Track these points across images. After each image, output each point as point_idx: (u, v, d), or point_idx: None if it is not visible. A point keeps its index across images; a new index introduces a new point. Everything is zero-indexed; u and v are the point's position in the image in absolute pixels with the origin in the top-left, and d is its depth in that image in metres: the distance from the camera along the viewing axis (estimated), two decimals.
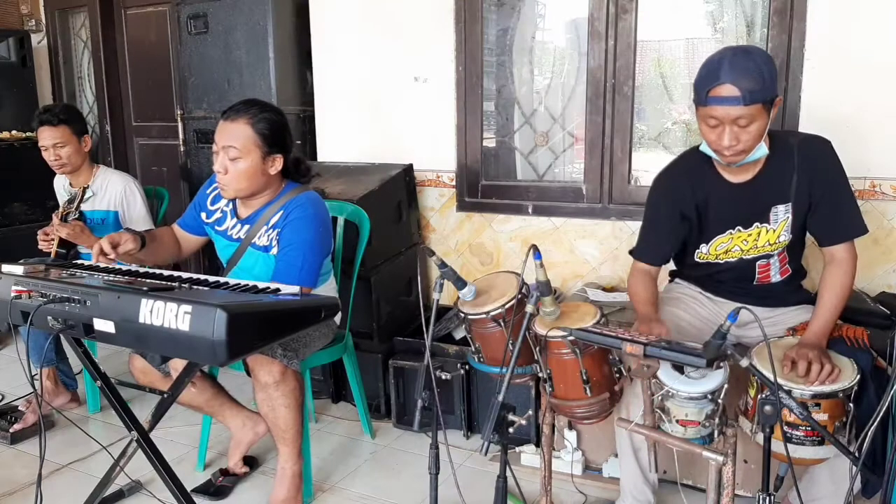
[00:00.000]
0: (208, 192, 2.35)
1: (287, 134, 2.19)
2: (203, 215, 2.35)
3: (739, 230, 1.99)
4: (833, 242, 1.92)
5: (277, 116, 2.15)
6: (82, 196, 2.62)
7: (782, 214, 1.95)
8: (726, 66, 1.74)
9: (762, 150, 1.84)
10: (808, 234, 2.04)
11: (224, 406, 2.42)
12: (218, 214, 2.33)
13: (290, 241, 2.12)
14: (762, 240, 1.98)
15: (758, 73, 1.73)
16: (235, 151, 2.08)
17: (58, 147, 2.81)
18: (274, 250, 2.16)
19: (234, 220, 2.27)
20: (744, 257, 2.03)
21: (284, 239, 2.13)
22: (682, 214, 2.03)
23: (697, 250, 2.06)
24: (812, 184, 1.91)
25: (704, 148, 1.90)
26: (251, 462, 2.56)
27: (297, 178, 2.27)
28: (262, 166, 2.12)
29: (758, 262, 2.03)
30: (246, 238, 2.22)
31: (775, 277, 2.05)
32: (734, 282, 2.08)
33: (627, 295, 2.15)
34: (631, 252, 2.17)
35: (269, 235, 2.18)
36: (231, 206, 2.29)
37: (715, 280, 2.12)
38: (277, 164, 2.15)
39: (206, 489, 2.40)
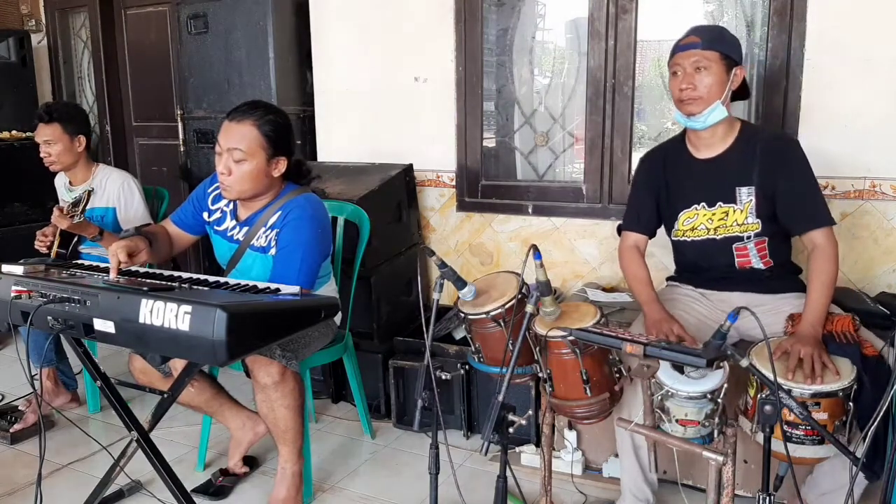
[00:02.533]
0: (209, 191, 2.34)
1: (291, 137, 2.19)
2: (205, 215, 2.34)
3: (704, 207, 2.09)
4: (805, 229, 1.98)
5: (282, 119, 2.15)
6: (87, 199, 2.61)
7: (746, 196, 2.04)
8: (692, 28, 2.05)
9: (720, 110, 1.97)
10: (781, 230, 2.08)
11: (224, 406, 2.42)
12: (218, 214, 2.32)
13: (287, 242, 2.11)
14: (731, 219, 2.06)
15: (720, 32, 2.04)
16: (241, 153, 2.06)
17: (47, 144, 2.82)
18: (272, 251, 2.16)
19: (234, 221, 2.27)
20: (714, 237, 2.08)
21: (283, 240, 2.12)
22: (656, 187, 2.17)
23: (673, 229, 2.15)
24: (775, 176, 2.00)
25: (676, 115, 2.07)
26: (251, 462, 2.56)
27: (298, 180, 2.27)
28: (266, 168, 2.11)
29: (734, 245, 2.08)
30: (245, 240, 2.22)
31: (757, 264, 2.08)
32: (718, 268, 2.12)
33: (624, 279, 2.21)
34: (618, 229, 2.28)
35: (267, 236, 2.17)
36: (231, 206, 2.28)
37: (699, 267, 2.16)
38: (281, 166, 2.15)
39: (206, 489, 2.40)
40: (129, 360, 2.28)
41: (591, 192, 2.99)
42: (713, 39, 1.96)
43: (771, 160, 2.00)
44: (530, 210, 3.10)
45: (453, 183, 3.24)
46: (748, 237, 2.05)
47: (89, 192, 2.66)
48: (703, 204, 2.08)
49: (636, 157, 2.92)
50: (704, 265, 2.14)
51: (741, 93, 2.09)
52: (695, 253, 2.14)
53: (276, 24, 3.33)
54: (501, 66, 3.22)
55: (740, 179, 2.03)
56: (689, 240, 2.13)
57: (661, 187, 2.16)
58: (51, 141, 2.82)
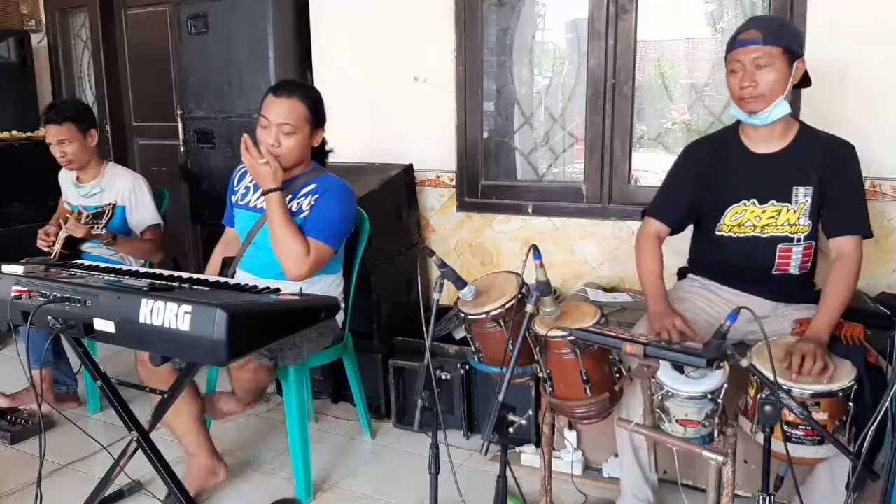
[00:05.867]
0: (235, 176, 2.48)
1: (325, 112, 2.35)
2: (233, 198, 2.45)
3: (754, 203, 2.02)
4: (839, 233, 1.95)
5: (319, 95, 2.34)
6: (112, 212, 2.62)
7: (802, 196, 1.98)
8: (753, 20, 1.97)
9: (783, 106, 1.92)
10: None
11: (202, 437, 2.33)
12: (242, 190, 2.41)
13: (329, 202, 2.25)
14: (782, 219, 2.00)
15: (781, 24, 1.96)
16: (290, 127, 2.21)
17: (63, 144, 2.84)
18: (305, 214, 2.25)
19: (260, 191, 2.30)
20: (759, 235, 2.03)
21: (324, 201, 2.25)
22: (699, 179, 2.09)
23: (718, 223, 2.07)
24: (832, 179, 1.96)
25: (734, 111, 2.00)
26: None
27: (321, 158, 2.43)
28: (309, 140, 2.29)
29: (779, 246, 2.02)
30: None
31: (794, 269, 2.04)
32: (752, 270, 2.07)
33: (636, 266, 2.15)
34: (643, 212, 2.20)
35: (299, 202, 2.26)
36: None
37: (733, 267, 2.10)
38: (319, 137, 2.33)
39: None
40: (134, 358, 2.26)
41: (591, 192, 2.99)
42: (774, 34, 1.88)
43: (831, 162, 1.96)
44: (530, 210, 3.09)
45: (453, 183, 3.24)
46: (798, 239, 2.01)
47: (113, 206, 2.66)
48: (753, 200, 2.02)
49: (636, 157, 2.92)
50: (740, 264, 2.08)
51: (803, 82, 2.01)
52: (735, 250, 2.06)
53: (276, 24, 3.33)
54: (501, 66, 3.22)
55: (799, 178, 1.97)
56: (734, 235, 2.05)
57: (707, 180, 2.08)
58: (66, 140, 2.83)
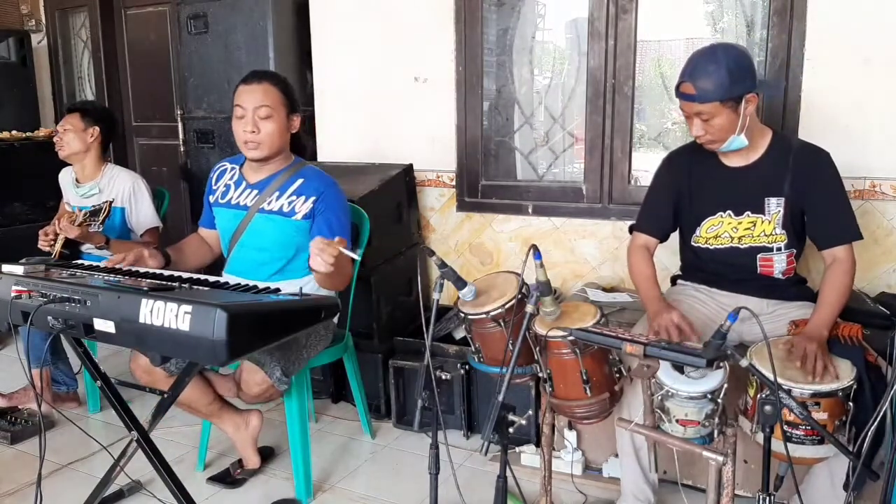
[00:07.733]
0: (212, 175, 2.44)
1: (296, 96, 2.32)
2: (210, 198, 2.41)
3: (730, 215, 2.06)
4: (831, 244, 1.97)
5: (287, 80, 2.31)
6: (108, 210, 2.64)
7: (774, 207, 2.01)
8: (690, 67, 1.91)
9: (738, 141, 1.95)
10: (805, 242, 2.09)
11: (223, 410, 2.42)
12: (222, 189, 2.38)
13: (332, 208, 2.23)
14: (758, 230, 2.03)
15: (716, 74, 1.85)
16: (267, 110, 2.17)
17: (62, 130, 2.90)
18: (298, 216, 2.22)
19: (241, 187, 2.30)
20: (738, 246, 2.06)
21: (327, 208, 2.23)
22: (678, 191, 2.13)
23: (694, 234, 2.12)
24: (807, 188, 1.98)
25: None
26: (269, 452, 2.64)
27: (300, 152, 2.39)
28: (287, 124, 2.24)
29: (758, 256, 2.05)
30: (254, 204, 2.26)
31: (778, 275, 2.07)
32: (737, 273, 2.10)
33: (629, 275, 2.20)
34: (630, 228, 2.25)
35: (290, 201, 2.23)
36: (236, 177, 2.34)
37: (717, 273, 2.13)
38: (296, 123, 2.28)
39: (223, 478, 2.47)
40: (131, 358, 2.27)
41: (591, 192, 2.99)
42: (707, 90, 1.85)
43: (803, 171, 1.97)
44: (530, 210, 3.09)
45: (453, 183, 3.24)
46: (777, 248, 2.04)
47: (110, 203, 2.67)
48: (729, 212, 2.05)
49: (636, 157, 2.92)
50: (723, 271, 2.12)
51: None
52: (715, 261, 2.11)
53: (276, 24, 3.33)
54: (501, 66, 3.22)
55: (771, 189, 2.00)
56: (711, 247, 2.10)
57: (684, 192, 2.12)
58: (67, 128, 2.90)
